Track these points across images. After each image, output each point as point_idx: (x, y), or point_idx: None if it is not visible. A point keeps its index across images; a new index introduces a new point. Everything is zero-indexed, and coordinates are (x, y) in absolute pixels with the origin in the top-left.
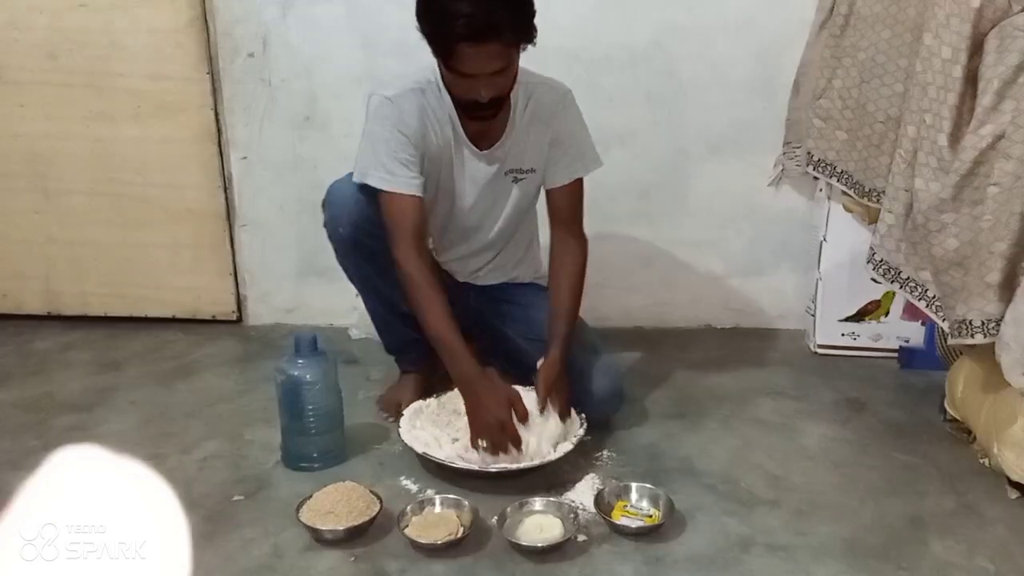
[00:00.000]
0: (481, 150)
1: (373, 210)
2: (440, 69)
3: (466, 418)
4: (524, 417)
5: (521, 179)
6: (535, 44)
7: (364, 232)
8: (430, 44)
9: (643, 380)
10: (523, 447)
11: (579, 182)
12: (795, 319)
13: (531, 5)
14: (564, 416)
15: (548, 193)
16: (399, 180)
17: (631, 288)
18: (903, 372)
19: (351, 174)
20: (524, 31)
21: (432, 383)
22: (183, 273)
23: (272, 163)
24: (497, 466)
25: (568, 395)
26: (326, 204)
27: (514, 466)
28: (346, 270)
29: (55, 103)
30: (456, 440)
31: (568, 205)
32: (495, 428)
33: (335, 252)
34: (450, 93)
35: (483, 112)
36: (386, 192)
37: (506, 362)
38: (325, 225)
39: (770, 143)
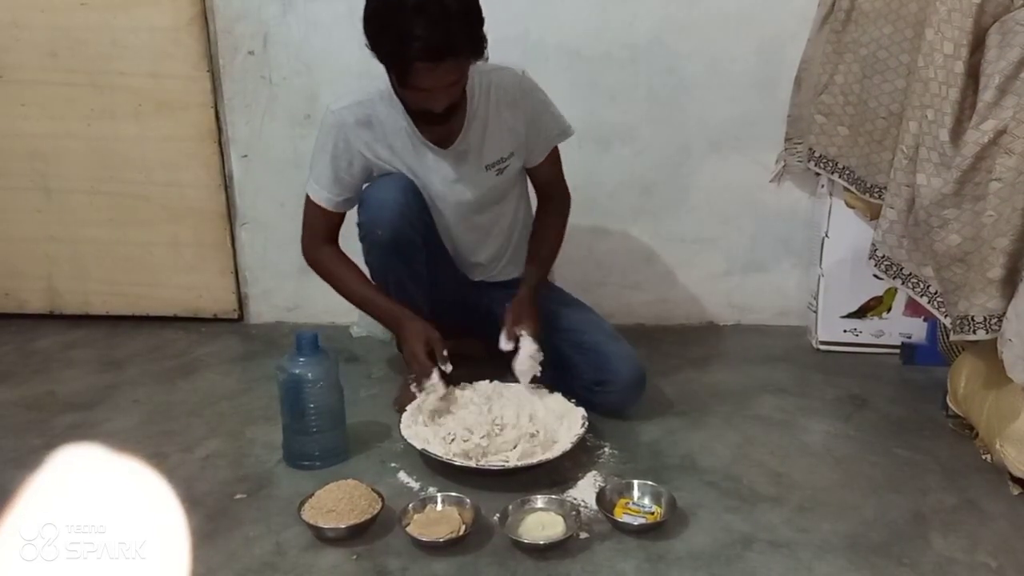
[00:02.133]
0: (444, 148)
1: (413, 211)
2: (392, 82)
3: (457, 417)
4: (439, 356)
5: (504, 167)
6: (487, 58)
7: (403, 235)
8: (382, 63)
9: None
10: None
11: (556, 151)
12: (797, 315)
13: (481, 18)
14: (537, 337)
15: (530, 170)
16: (321, 195)
17: (633, 285)
18: (905, 368)
19: (384, 179)
20: (477, 46)
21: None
22: (184, 272)
23: (273, 161)
24: (498, 464)
25: (537, 323)
26: (363, 206)
27: (515, 464)
28: (376, 271)
29: (56, 102)
30: (452, 439)
31: (551, 173)
32: (410, 359)
33: (367, 253)
34: (403, 103)
35: (437, 119)
36: (309, 198)
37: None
38: (359, 226)
39: (772, 139)
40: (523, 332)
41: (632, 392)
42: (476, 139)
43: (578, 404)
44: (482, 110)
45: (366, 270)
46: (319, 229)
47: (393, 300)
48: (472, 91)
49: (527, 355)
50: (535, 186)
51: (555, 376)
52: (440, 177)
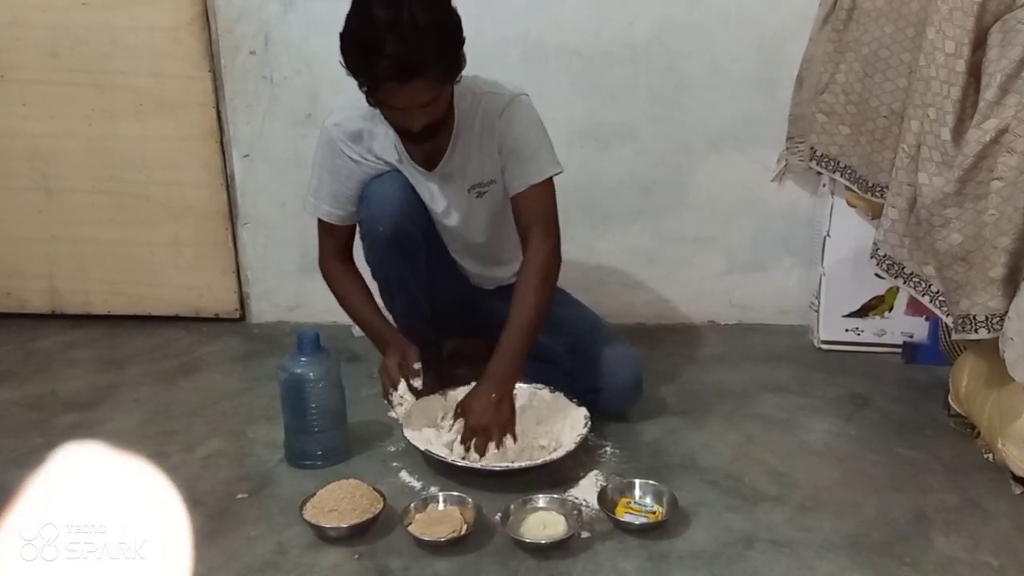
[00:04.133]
0: (430, 170)
1: (414, 207)
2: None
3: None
4: (410, 371)
5: (484, 192)
6: (459, 81)
7: (404, 231)
8: (354, 78)
9: (646, 377)
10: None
11: (542, 187)
12: (798, 315)
13: (457, 39)
14: (498, 444)
15: (511, 200)
16: (322, 210)
17: (634, 284)
18: (907, 367)
19: (386, 175)
20: (451, 66)
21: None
22: (185, 271)
23: (274, 161)
24: (500, 464)
25: (501, 422)
26: (363, 203)
27: (517, 464)
28: (377, 268)
29: (57, 101)
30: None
31: (528, 211)
32: (381, 372)
33: (367, 250)
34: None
35: (419, 138)
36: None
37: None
38: (360, 224)
39: (773, 138)
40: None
41: (629, 396)
42: (460, 161)
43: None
44: (467, 132)
45: (367, 271)
46: (330, 246)
47: (385, 321)
48: (462, 112)
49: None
50: (516, 225)
51: (554, 378)
52: (429, 194)
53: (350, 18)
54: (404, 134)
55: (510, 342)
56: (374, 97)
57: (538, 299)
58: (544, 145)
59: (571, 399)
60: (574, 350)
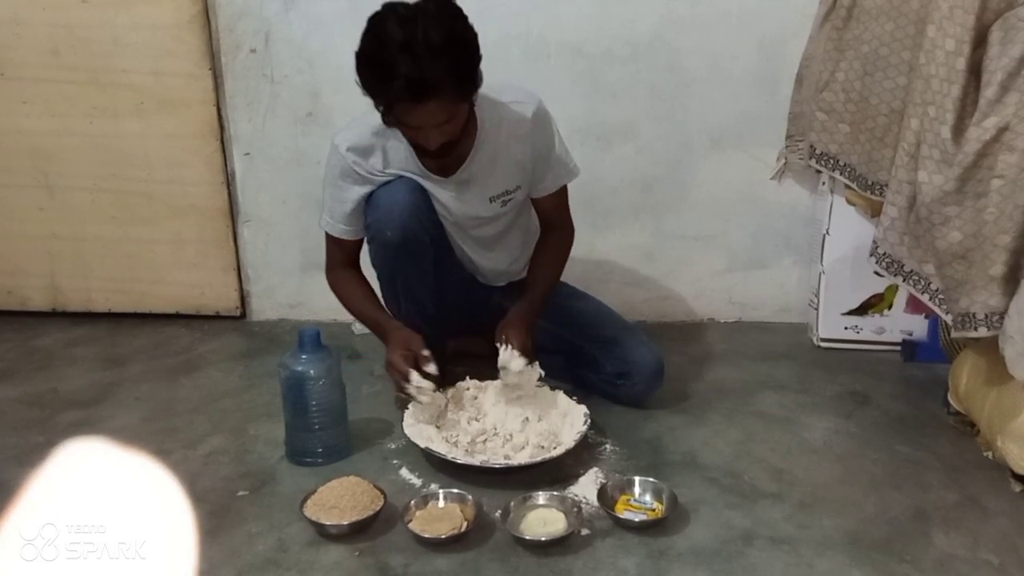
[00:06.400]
0: (445, 177)
1: (422, 211)
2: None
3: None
4: (420, 357)
5: (509, 200)
6: (475, 100)
7: (412, 234)
8: (371, 98)
9: None
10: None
11: (564, 186)
12: (798, 313)
13: (474, 57)
14: (526, 352)
15: (535, 200)
16: (337, 228)
17: (634, 282)
18: (906, 365)
19: (393, 181)
20: (466, 85)
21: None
22: (187, 269)
23: (275, 159)
24: (500, 462)
25: (523, 336)
26: (371, 207)
27: (517, 462)
28: (384, 272)
29: (58, 99)
30: (456, 442)
31: (557, 208)
32: (389, 369)
33: (374, 254)
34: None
35: (435, 154)
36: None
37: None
38: (367, 227)
39: (773, 136)
40: (506, 342)
41: (655, 381)
42: (482, 170)
43: (588, 397)
44: (491, 141)
45: (372, 275)
46: (337, 257)
47: (384, 315)
48: (482, 121)
49: (507, 356)
50: (538, 214)
51: (572, 369)
52: (443, 204)
53: (365, 37)
54: (421, 151)
55: (535, 293)
56: (387, 117)
57: (561, 266)
58: (565, 148)
59: (571, 397)
60: (596, 340)
